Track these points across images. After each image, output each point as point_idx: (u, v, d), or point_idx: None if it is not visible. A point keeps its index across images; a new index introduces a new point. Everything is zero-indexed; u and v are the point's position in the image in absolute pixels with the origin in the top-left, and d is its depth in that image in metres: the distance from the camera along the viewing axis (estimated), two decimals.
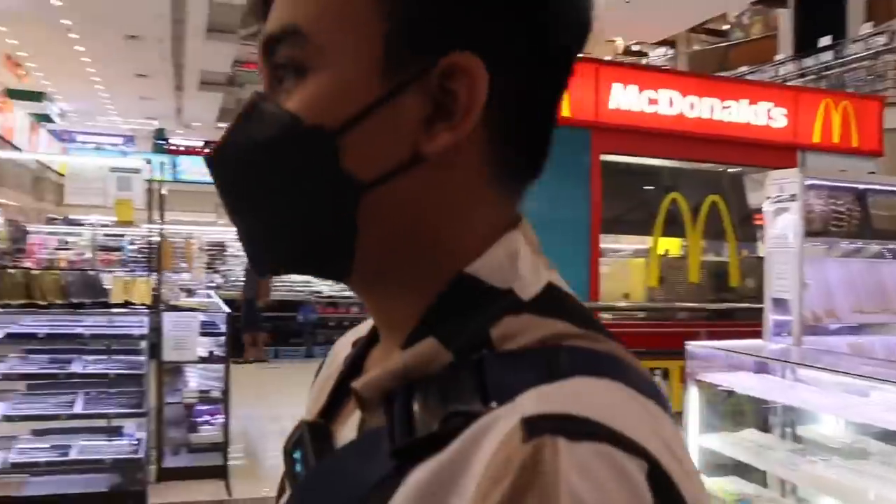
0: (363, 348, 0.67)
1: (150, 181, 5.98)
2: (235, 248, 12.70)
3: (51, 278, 5.72)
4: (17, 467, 5.06)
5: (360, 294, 0.63)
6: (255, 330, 11.41)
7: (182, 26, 18.58)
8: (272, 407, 8.65)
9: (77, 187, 5.93)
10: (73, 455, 5.13)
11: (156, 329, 5.50)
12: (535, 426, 0.45)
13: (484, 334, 0.53)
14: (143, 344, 5.46)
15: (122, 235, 11.05)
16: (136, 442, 5.37)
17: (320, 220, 0.57)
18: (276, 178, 0.56)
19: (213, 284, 11.57)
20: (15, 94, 26.10)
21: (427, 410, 0.51)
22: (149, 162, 6.05)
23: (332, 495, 0.55)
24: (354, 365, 0.66)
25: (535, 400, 0.47)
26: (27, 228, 13.24)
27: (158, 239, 5.95)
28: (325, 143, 0.55)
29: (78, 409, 5.23)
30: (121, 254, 10.80)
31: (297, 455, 0.63)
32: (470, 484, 0.46)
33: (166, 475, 5.47)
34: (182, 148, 33.34)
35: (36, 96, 27.44)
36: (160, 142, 32.87)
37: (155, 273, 5.88)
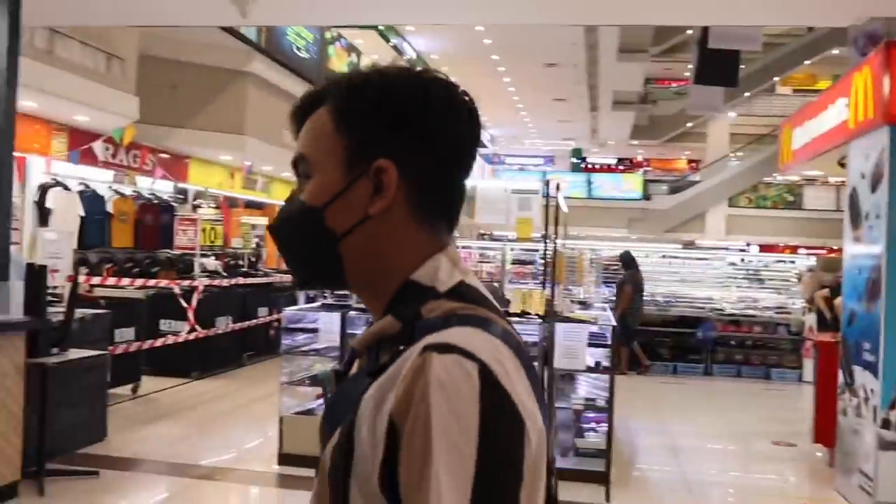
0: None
1: (546, 196, 6.41)
2: (639, 263, 12.89)
3: None
4: None
5: (358, 296, 1.10)
6: (621, 343, 11.41)
7: (595, 51, 19.34)
8: (662, 421, 8.66)
9: (484, 207, 6.54)
10: None
11: (548, 338, 5.90)
12: (425, 349, 0.87)
13: (417, 311, 0.96)
14: (537, 351, 5.89)
15: (535, 250, 11.80)
16: None
17: (320, 257, 1.03)
18: (298, 234, 1.04)
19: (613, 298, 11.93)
20: None
21: (385, 352, 0.95)
22: (546, 184, 6.47)
23: (343, 402, 0.97)
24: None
25: (429, 338, 0.89)
26: (455, 244, 14.78)
27: (552, 254, 6.38)
28: (317, 215, 1.01)
29: None
30: (532, 267, 11.59)
31: (328, 387, 1.07)
32: (395, 387, 0.87)
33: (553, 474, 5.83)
34: (596, 166, 34.76)
35: None
36: (577, 160, 34.55)
37: (550, 285, 6.30)
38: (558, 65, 20.89)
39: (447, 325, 0.90)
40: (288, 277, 11.07)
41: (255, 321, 11.15)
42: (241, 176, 15.43)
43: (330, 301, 6.73)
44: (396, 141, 0.99)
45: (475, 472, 0.80)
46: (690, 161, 35.16)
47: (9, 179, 5.52)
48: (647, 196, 29.29)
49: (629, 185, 29.87)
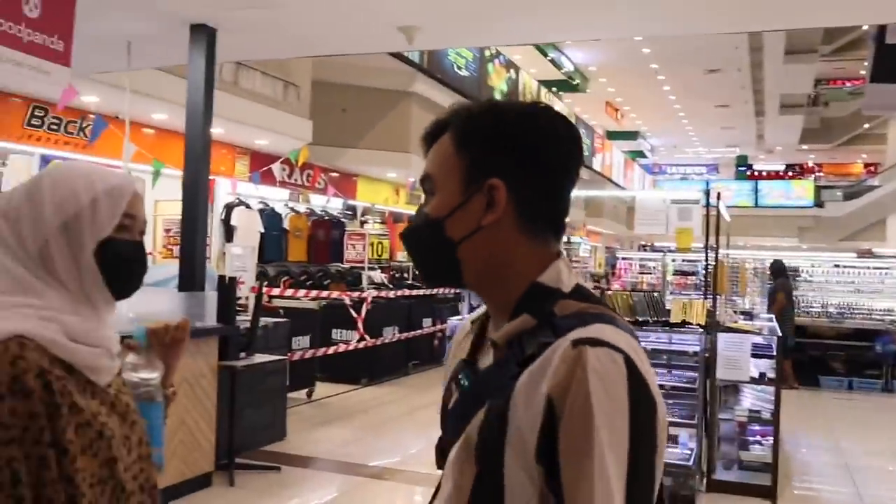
0: (482, 325, 1.27)
1: (707, 206, 6.33)
2: (811, 274, 12.31)
3: (622, 298, 6.46)
4: None
5: (478, 295, 1.24)
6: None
7: (759, 54, 18.64)
8: (834, 438, 8.25)
9: (643, 218, 6.53)
10: None
11: (710, 348, 5.82)
12: (577, 342, 1.03)
13: (551, 310, 1.12)
14: (698, 361, 5.82)
15: (697, 261, 11.55)
16: (688, 451, 5.76)
17: (441, 260, 1.20)
18: (423, 241, 1.22)
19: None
20: (613, 136, 29.09)
21: (529, 344, 1.09)
22: (707, 193, 6.39)
23: (484, 387, 1.13)
24: (480, 332, 1.27)
25: (576, 333, 1.05)
26: (616, 255, 14.65)
27: (713, 264, 6.29)
28: (438, 225, 1.18)
29: None
30: (695, 278, 11.34)
31: (462, 376, 1.21)
32: (549, 373, 1.03)
33: (716, 486, 5.73)
34: (763, 173, 33.29)
35: (631, 136, 30.18)
36: (742, 168, 33.25)
37: (711, 296, 6.22)
38: (720, 70, 20.29)
39: (587, 322, 1.07)
40: (451, 290, 11.43)
41: (419, 331, 11.55)
42: (406, 192, 16.00)
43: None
44: (507, 162, 1.15)
45: (629, 441, 1.00)
46: (868, 165, 33.00)
47: (205, 201, 6.10)
48: (819, 203, 27.79)
49: (799, 191, 28.44)
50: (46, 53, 4.77)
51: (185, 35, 6.13)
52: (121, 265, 1.41)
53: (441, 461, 1.25)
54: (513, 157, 1.15)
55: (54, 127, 8.89)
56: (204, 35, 6.10)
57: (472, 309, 7.60)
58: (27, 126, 8.57)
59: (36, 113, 8.66)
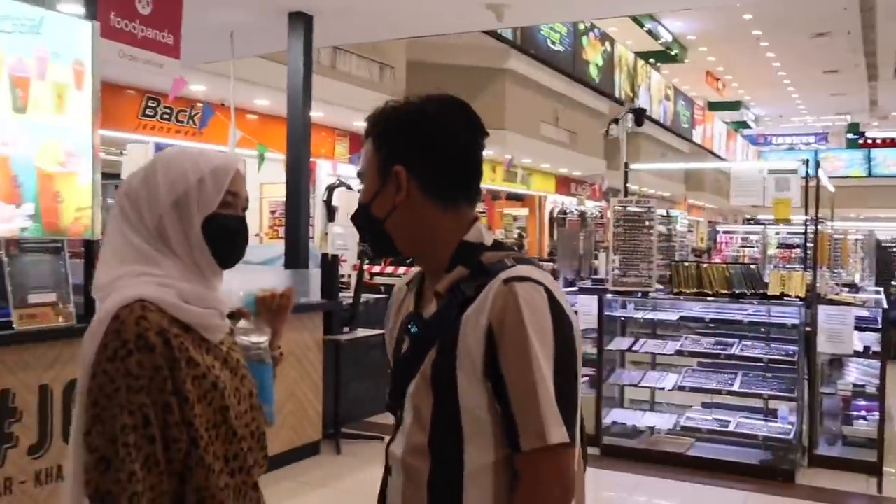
0: (419, 284, 1.53)
1: (806, 176, 6.15)
2: None
3: (718, 270, 6.37)
4: (686, 430, 5.86)
5: (414, 261, 1.52)
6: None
7: (872, 14, 17.71)
8: None
9: (739, 190, 6.41)
10: (732, 427, 5.70)
11: (811, 321, 5.69)
12: (507, 280, 1.33)
13: (479, 260, 1.39)
14: (797, 334, 5.71)
15: (801, 234, 11.20)
16: (788, 425, 5.67)
17: (376, 235, 1.48)
18: (361, 222, 1.50)
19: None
20: (715, 107, 28.27)
21: (468, 288, 1.36)
22: (805, 163, 6.22)
23: (437, 330, 1.38)
24: (419, 290, 1.52)
25: (505, 273, 1.34)
26: (717, 228, 14.32)
27: (813, 236, 6.13)
28: (366, 208, 1.47)
29: (736, 387, 5.77)
30: (799, 251, 11.00)
31: (411, 324, 1.45)
32: (487, 307, 1.32)
33: (817, 462, 5.62)
34: (877, 141, 31.61)
35: (733, 106, 29.25)
36: (853, 136, 31.70)
37: (811, 268, 6.06)
38: (829, 34, 19.40)
39: (513, 265, 1.36)
40: (549, 265, 11.44)
41: None
42: (503, 169, 16.04)
43: (587, 284, 6.93)
44: (403, 151, 1.43)
45: (554, 350, 1.31)
46: None
47: (307, 182, 6.36)
48: None
49: None
50: (158, 47, 5.08)
51: (283, 23, 6.37)
52: (225, 237, 1.57)
53: (391, 408, 1.54)
54: (407, 146, 1.42)
55: (166, 116, 9.37)
56: (301, 22, 6.32)
57: (568, 284, 7.64)
58: (142, 116, 9.07)
59: (149, 104, 9.14)
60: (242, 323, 1.74)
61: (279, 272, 6.23)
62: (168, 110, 9.30)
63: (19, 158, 3.82)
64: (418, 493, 1.39)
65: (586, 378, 6.59)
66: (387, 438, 1.52)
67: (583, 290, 6.65)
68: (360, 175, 1.51)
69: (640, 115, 7.97)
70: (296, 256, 6.14)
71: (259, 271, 6.92)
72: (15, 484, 3.58)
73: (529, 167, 17.72)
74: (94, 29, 4.21)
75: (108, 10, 4.70)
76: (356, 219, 1.52)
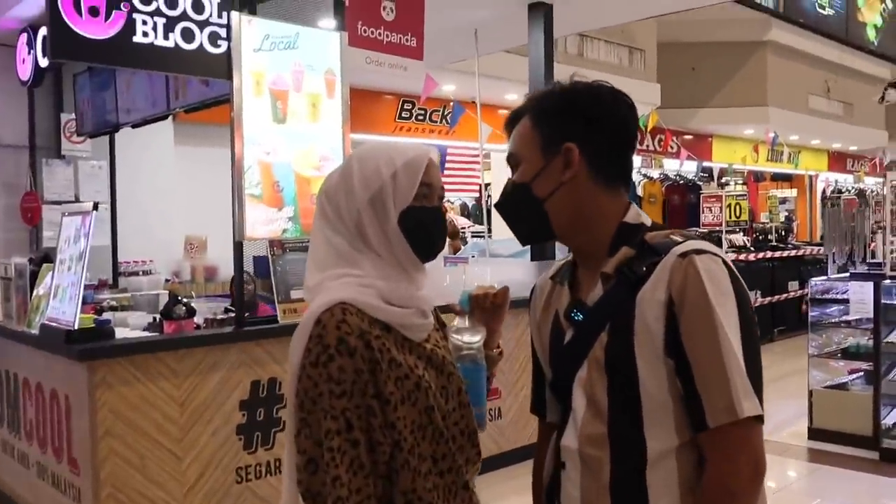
0: (570, 274, 1.50)
1: None
2: None
3: None
4: None
5: (566, 244, 1.49)
6: None
7: None
8: None
9: None
10: None
11: None
12: (683, 254, 1.31)
13: (643, 239, 1.37)
14: None
15: None
16: None
17: (534, 216, 1.45)
18: (515, 204, 1.48)
19: None
20: None
21: (638, 267, 1.33)
22: None
23: (607, 313, 1.36)
24: (572, 278, 1.49)
25: (679, 248, 1.32)
26: None
27: None
28: (526, 187, 1.44)
29: None
30: None
31: (574, 313, 1.43)
32: (664, 281, 1.30)
33: None
34: None
35: None
36: None
37: None
38: None
39: (683, 241, 1.34)
40: (819, 250, 10.51)
41: (784, 295, 10.78)
42: (766, 148, 14.97)
43: (860, 270, 6.25)
44: (577, 129, 1.41)
45: (739, 321, 1.28)
46: None
47: None
48: None
49: None
50: (402, 51, 5.27)
51: (524, 15, 6.36)
52: (422, 230, 1.53)
53: (539, 406, 1.61)
54: (581, 124, 1.41)
55: (420, 117, 9.78)
56: (541, 12, 6.27)
57: (841, 269, 6.92)
58: (398, 119, 9.53)
59: (405, 107, 9.59)
60: (457, 321, 1.69)
61: (526, 264, 6.23)
62: (422, 111, 9.69)
63: (280, 165, 4.14)
64: (597, 484, 1.36)
65: (861, 373, 5.94)
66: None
67: (855, 276, 6.04)
68: (512, 157, 1.49)
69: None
70: (542, 248, 6.10)
71: (508, 263, 6.98)
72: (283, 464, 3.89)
73: (797, 144, 16.35)
74: (343, 39, 4.46)
75: (355, 19, 4.95)
76: (508, 201, 1.49)
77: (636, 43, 11.22)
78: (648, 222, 1.44)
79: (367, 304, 1.45)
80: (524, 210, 1.46)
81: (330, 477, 1.37)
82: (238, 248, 3.96)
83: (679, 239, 1.35)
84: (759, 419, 1.27)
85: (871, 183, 17.57)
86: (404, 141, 9.68)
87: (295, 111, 4.23)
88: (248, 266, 4.28)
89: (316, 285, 1.51)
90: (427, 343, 1.55)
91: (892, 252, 5.70)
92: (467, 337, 1.67)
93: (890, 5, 16.21)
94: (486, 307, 1.71)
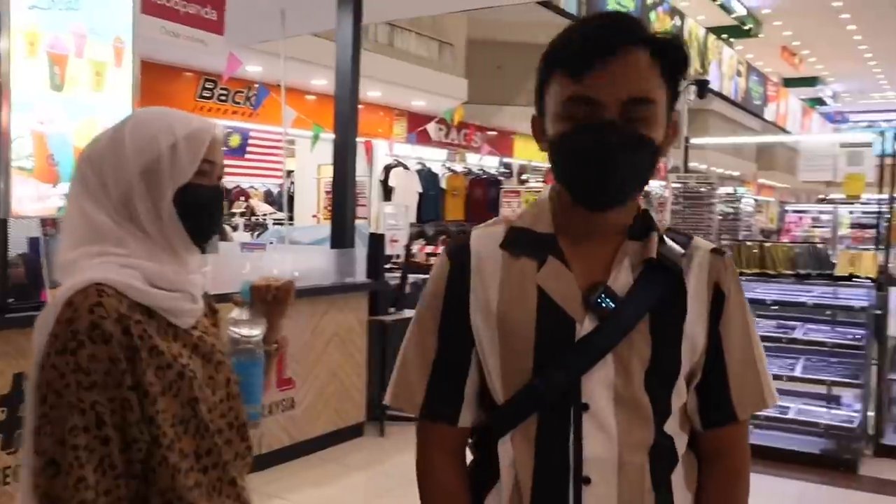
0: (552, 247, 1.26)
1: (881, 155, 5.78)
2: None
3: (782, 250, 6.06)
4: None
5: (605, 212, 1.24)
6: None
7: None
8: None
9: (808, 164, 6.08)
10: (792, 415, 5.41)
11: (882, 304, 5.36)
12: (713, 251, 1.30)
13: (668, 228, 1.31)
14: (866, 317, 5.38)
15: (875, 213, 10.71)
16: (853, 413, 5.36)
17: (643, 183, 1.25)
18: (642, 164, 1.20)
19: None
20: (790, 83, 27.21)
21: (675, 259, 1.25)
22: (881, 134, 5.84)
23: (649, 298, 1.22)
24: (558, 255, 1.25)
25: (705, 244, 1.31)
26: (786, 208, 13.79)
27: (887, 214, 5.76)
28: (659, 152, 1.21)
29: (798, 372, 5.47)
30: (875, 231, 10.50)
31: (600, 299, 1.21)
32: (703, 279, 1.26)
33: (884, 452, 5.30)
34: None
35: (810, 82, 28.10)
36: None
37: (883, 248, 5.71)
38: None
39: (690, 237, 1.31)
40: None
41: None
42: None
43: None
44: (676, 91, 1.25)
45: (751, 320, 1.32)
46: None
47: (353, 159, 6.26)
48: None
49: None
50: (201, 23, 5.04)
51: None
52: (200, 211, 1.42)
53: (447, 407, 1.28)
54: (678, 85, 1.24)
55: (223, 98, 9.42)
56: None
57: None
58: (199, 98, 9.13)
59: (206, 85, 9.20)
60: (235, 312, 1.59)
61: (325, 251, 6.17)
62: (225, 91, 9.34)
63: (56, 137, 3.82)
64: (638, 492, 1.20)
65: None
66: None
67: None
68: (641, 103, 1.16)
69: (702, 87, 7.67)
70: (342, 236, 6.06)
71: (307, 250, 6.88)
72: None
73: None
74: (135, 5, 4.18)
75: None
76: (634, 154, 1.17)
77: (446, 37, 11.42)
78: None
79: (127, 287, 1.33)
80: (646, 173, 1.22)
81: (73, 478, 1.23)
82: (1, 225, 3.60)
83: (682, 233, 1.32)
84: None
85: (655, 185, 18.93)
86: None
87: (75, 78, 3.93)
88: (24, 247, 3.93)
89: (69, 264, 1.35)
90: (195, 330, 1.45)
91: None
92: (245, 330, 1.58)
93: (679, 23, 17.58)
94: (268, 300, 1.61)
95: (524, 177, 15.06)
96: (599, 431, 1.18)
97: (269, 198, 13.13)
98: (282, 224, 9.54)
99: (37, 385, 1.29)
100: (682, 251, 1.25)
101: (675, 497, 1.25)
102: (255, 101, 8.39)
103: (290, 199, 12.15)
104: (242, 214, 12.00)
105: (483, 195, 12.74)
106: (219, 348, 1.49)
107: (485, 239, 1.29)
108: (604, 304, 1.20)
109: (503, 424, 1.23)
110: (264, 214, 12.12)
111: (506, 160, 14.20)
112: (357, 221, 6.49)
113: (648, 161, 1.19)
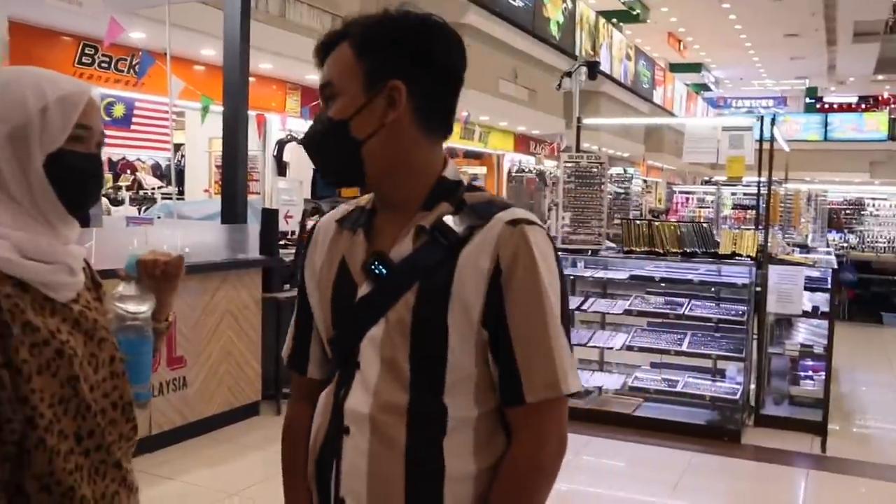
0: (367, 221, 1.36)
1: (759, 140, 6.02)
2: (877, 208, 11.80)
3: (670, 229, 6.24)
4: (634, 391, 5.77)
5: (375, 192, 1.36)
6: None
7: None
8: (888, 374, 7.96)
9: (692, 147, 6.27)
10: (680, 388, 5.62)
11: (761, 281, 5.61)
12: (513, 222, 1.24)
13: (462, 198, 1.30)
14: (747, 294, 5.62)
15: (755, 195, 11.19)
16: (736, 385, 5.61)
17: (346, 159, 1.30)
18: (328, 143, 1.30)
19: (845, 244, 11.06)
20: (676, 69, 28.15)
21: (458, 227, 1.26)
22: (759, 119, 6.08)
23: (418, 272, 1.26)
24: (369, 227, 1.36)
25: (506, 215, 1.26)
26: (674, 189, 14.28)
27: (766, 195, 6.02)
28: (343, 126, 1.28)
29: (685, 346, 5.68)
30: (755, 212, 10.99)
31: (374, 265, 1.29)
32: (490, 249, 1.23)
33: (764, 422, 5.57)
34: (834, 106, 31.83)
35: (694, 68, 29.16)
36: (811, 101, 31.87)
37: (762, 228, 5.96)
38: None
39: (505, 207, 1.28)
40: None
41: None
42: (460, 126, 15.79)
43: None
44: (405, 65, 1.26)
45: (560, 291, 1.27)
46: None
47: (245, 133, 6.06)
48: (893, 136, 26.56)
49: (872, 125, 27.21)
50: None
51: None
52: (73, 178, 1.33)
53: (299, 360, 1.46)
54: (410, 60, 1.27)
55: (104, 65, 8.94)
56: None
57: None
58: (78, 65, 8.63)
59: (86, 51, 8.71)
60: (121, 287, 1.49)
61: (216, 227, 5.97)
62: (106, 58, 8.86)
63: None
64: (392, 452, 1.27)
65: None
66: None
67: None
68: (327, 87, 1.30)
69: (593, 69, 7.77)
70: (233, 211, 5.87)
71: (196, 226, 6.64)
72: None
73: (487, 125, 17.48)
74: None
75: None
76: (320, 138, 1.31)
77: (339, 10, 11.18)
78: (465, 182, 1.35)
79: None
80: (337, 150, 1.30)
81: None
82: None
83: (500, 204, 1.28)
84: (572, 396, 1.26)
85: (550, 165, 19.31)
86: None
87: None
88: None
89: None
90: (75, 304, 1.35)
91: (562, 227, 6.25)
92: (132, 306, 1.48)
93: (570, 5, 17.84)
94: (156, 275, 1.51)
95: None
96: (361, 388, 1.29)
97: (158, 171, 12.63)
98: (170, 199, 9.17)
99: None
100: (474, 223, 1.25)
101: (449, 464, 1.26)
102: (140, 70, 7.98)
103: (181, 173, 11.72)
104: (129, 188, 11.50)
105: None
106: (102, 324, 1.40)
107: (332, 215, 1.45)
108: (377, 271, 1.29)
109: (329, 378, 1.40)
110: (153, 189, 11.65)
111: None
112: (250, 197, 6.30)
113: (330, 136, 1.30)
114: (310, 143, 1.33)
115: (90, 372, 1.33)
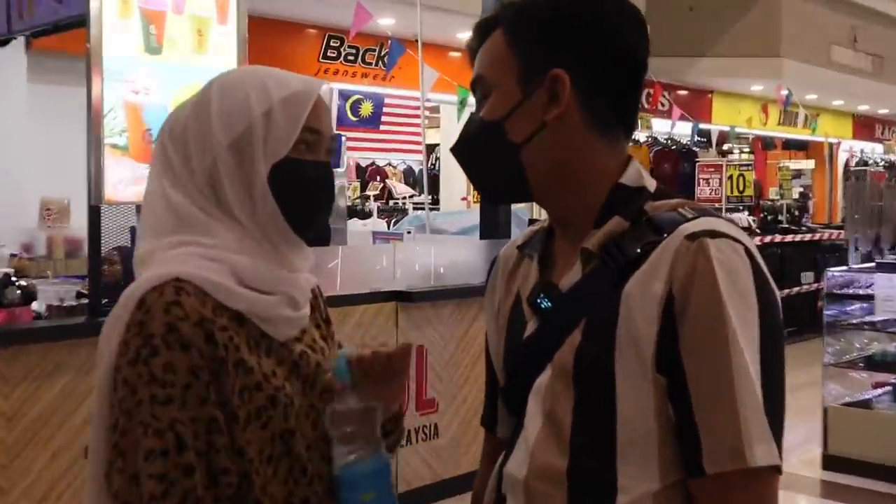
0: (543, 245, 1.35)
1: None
2: None
3: None
4: None
5: (544, 207, 1.36)
6: None
7: None
8: None
9: None
10: None
11: None
12: (693, 235, 1.15)
13: (641, 210, 1.24)
14: None
15: None
16: None
17: (504, 167, 1.28)
18: (481, 150, 1.31)
19: None
20: None
21: (631, 247, 1.19)
22: None
23: (584, 304, 1.21)
24: (545, 251, 1.35)
25: (688, 227, 1.17)
26: None
27: None
28: (497, 128, 1.26)
29: None
30: None
31: (540, 299, 1.27)
32: (665, 271, 1.15)
33: None
34: None
35: None
36: None
37: None
38: None
39: (694, 217, 1.19)
40: (839, 233, 10.60)
41: (795, 289, 10.84)
42: (778, 109, 15.10)
43: (889, 259, 6.26)
44: (568, 51, 1.24)
45: (759, 335, 1.13)
46: None
47: None
48: None
49: None
50: None
51: None
52: (300, 191, 1.36)
53: (489, 417, 1.46)
54: (574, 45, 1.25)
55: (351, 58, 9.56)
56: None
57: (865, 258, 6.94)
58: (323, 59, 9.30)
59: (331, 44, 9.35)
60: (336, 404, 1.36)
61: (475, 243, 6.10)
62: (353, 50, 9.46)
63: (153, 108, 3.92)
64: None
65: (889, 388, 5.94)
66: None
67: (882, 267, 6.04)
68: (479, 82, 1.31)
69: None
70: (494, 223, 5.96)
71: (452, 242, 6.84)
72: None
73: (815, 105, 16.54)
74: None
75: None
76: (472, 144, 1.32)
77: None
78: (653, 187, 1.29)
79: (212, 284, 1.28)
80: (493, 158, 1.29)
81: None
82: (94, 213, 3.75)
83: (690, 214, 1.20)
84: (777, 470, 1.13)
85: None
86: (333, 87, 9.46)
87: (174, 39, 4.03)
88: (124, 238, 4.08)
89: (146, 255, 1.33)
90: (297, 344, 1.38)
91: None
92: (354, 428, 1.34)
93: None
94: (376, 373, 1.38)
95: (725, 146, 14.55)
96: (521, 448, 1.26)
97: (410, 177, 13.26)
98: (422, 209, 9.56)
99: (107, 406, 1.26)
100: (650, 239, 1.19)
101: None
102: (389, 60, 8.42)
103: (434, 178, 12.22)
104: (377, 197, 12.13)
105: (672, 170, 12.40)
106: (325, 367, 1.41)
107: (514, 241, 1.46)
108: (541, 304, 1.27)
109: (498, 429, 1.47)
110: (403, 197, 12.23)
111: (702, 126, 13.74)
112: (514, 206, 6.37)
113: (483, 140, 1.30)
114: (460, 150, 1.34)
115: (308, 427, 1.34)
